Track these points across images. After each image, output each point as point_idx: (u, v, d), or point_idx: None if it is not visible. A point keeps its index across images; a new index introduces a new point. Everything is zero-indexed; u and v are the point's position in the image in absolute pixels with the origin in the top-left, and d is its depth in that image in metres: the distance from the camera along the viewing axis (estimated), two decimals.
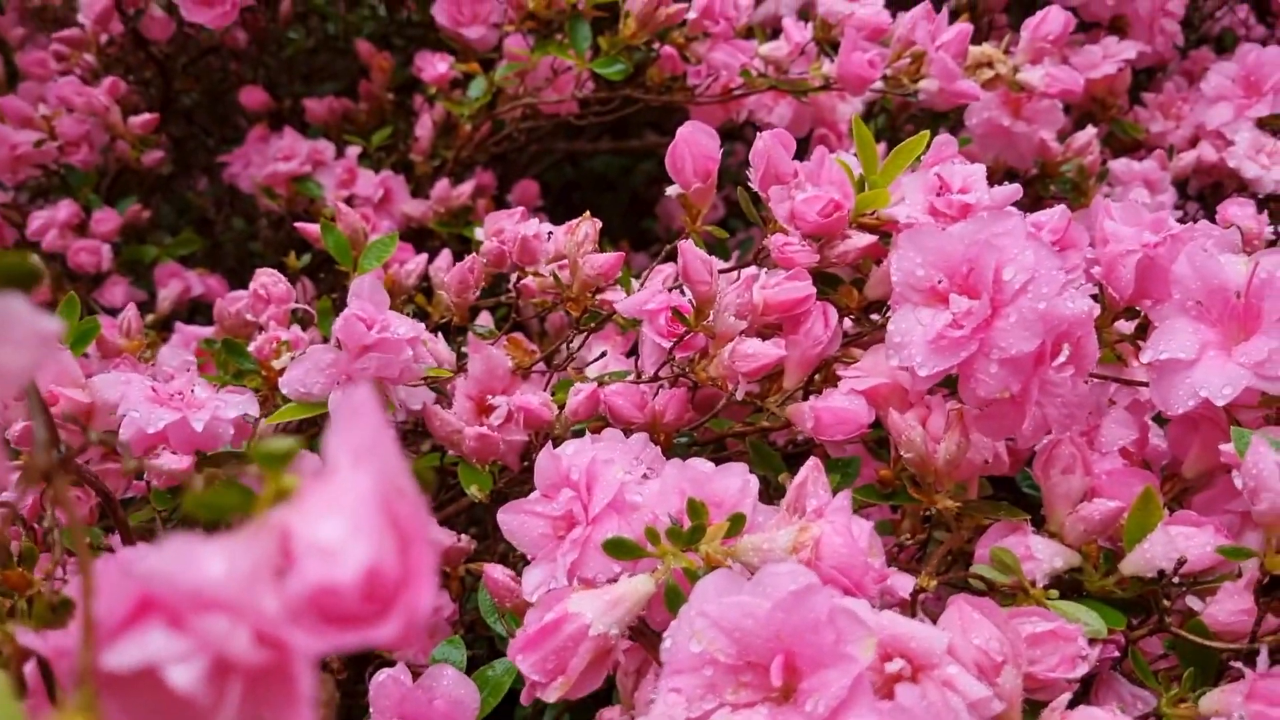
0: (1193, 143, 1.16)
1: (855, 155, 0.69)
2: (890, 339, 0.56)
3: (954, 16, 1.27)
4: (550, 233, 0.75)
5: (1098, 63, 1.14)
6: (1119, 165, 1.10)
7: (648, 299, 0.68)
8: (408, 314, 0.83)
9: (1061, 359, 0.54)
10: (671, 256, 0.70)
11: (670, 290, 0.71)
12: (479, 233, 0.90)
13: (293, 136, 1.17)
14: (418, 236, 1.15)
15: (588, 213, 0.73)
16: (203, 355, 0.89)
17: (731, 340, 0.63)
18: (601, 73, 0.97)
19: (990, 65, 0.98)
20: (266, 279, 0.75)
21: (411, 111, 1.28)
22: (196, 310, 1.21)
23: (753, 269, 0.66)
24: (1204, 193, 1.19)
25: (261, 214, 1.28)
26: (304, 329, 0.75)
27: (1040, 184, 1.06)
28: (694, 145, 0.70)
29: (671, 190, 0.71)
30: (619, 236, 1.80)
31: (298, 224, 0.83)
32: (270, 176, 1.14)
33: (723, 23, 0.96)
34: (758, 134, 0.67)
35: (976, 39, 0.98)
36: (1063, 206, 0.63)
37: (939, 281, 0.56)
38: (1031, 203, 1.09)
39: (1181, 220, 1.14)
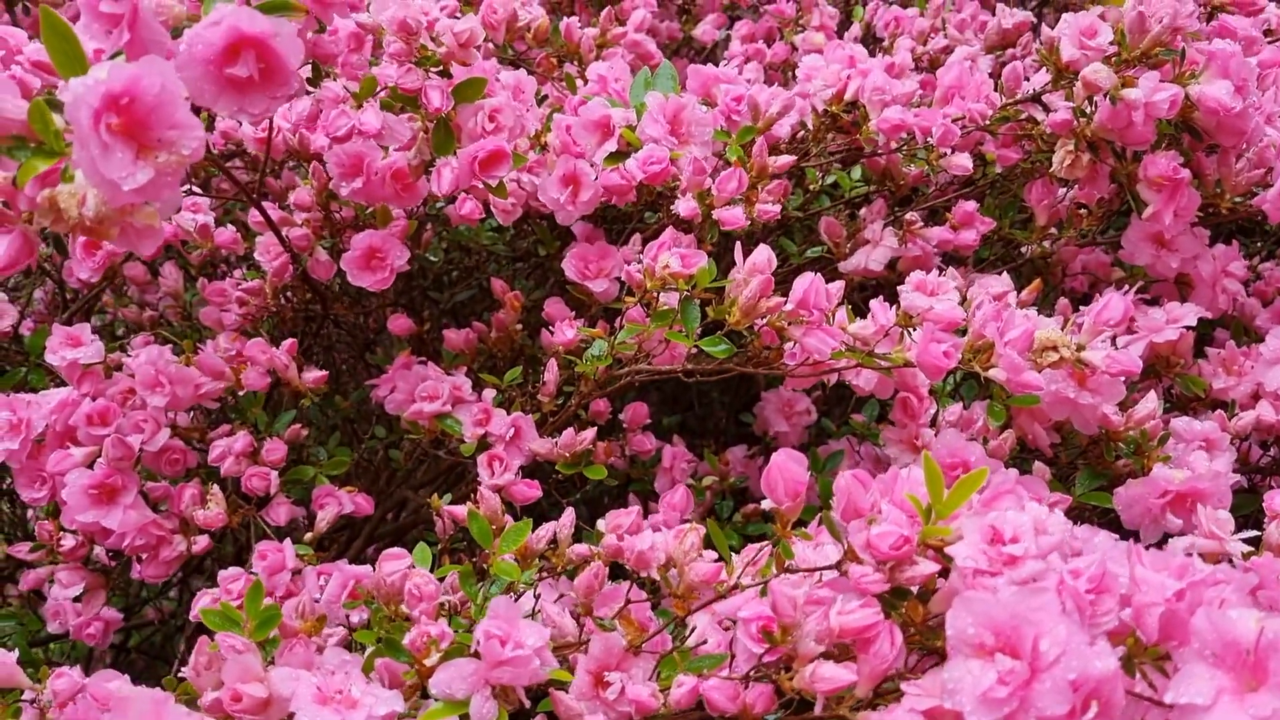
0: (1255, 397, 1.26)
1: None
2: (945, 684, 0.68)
3: (1028, 276, 1.41)
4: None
5: (1160, 327, 1.25)
6: (1181, 424, 1.20)
7: (742, 604, 0.81)
8: (535, 569, 0.98)
9: (1089, 716, 0.65)
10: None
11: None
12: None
13: (436, 375, 1.34)
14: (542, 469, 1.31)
15: (693, 523, 0.86)
16: (356, 597, 1.04)
17: (812, 660, 0.76)
18: (708, 350, 1.12)
19: (1055, 349, 1.10)
20: (420, 580, 0.88)
21: (539, 343, 1.43)
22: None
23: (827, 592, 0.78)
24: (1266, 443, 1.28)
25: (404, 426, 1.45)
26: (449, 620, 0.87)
27: (1106, 447, 1.16)
28: (785, 471, 0.84)
29: (765, 504, 0.85)
30: (724, 432, 1.94)
31: (446, 508, 0.98)
32: (415, 413, 1.30)
33: (815, 313, 1.10)
34: (839, 474, 0.80)
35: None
36: (1098, 556, 0.74)
37: (987, 639, 0.67)
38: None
39: (1244, 487, 1.24)
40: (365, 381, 1.52)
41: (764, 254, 1.11)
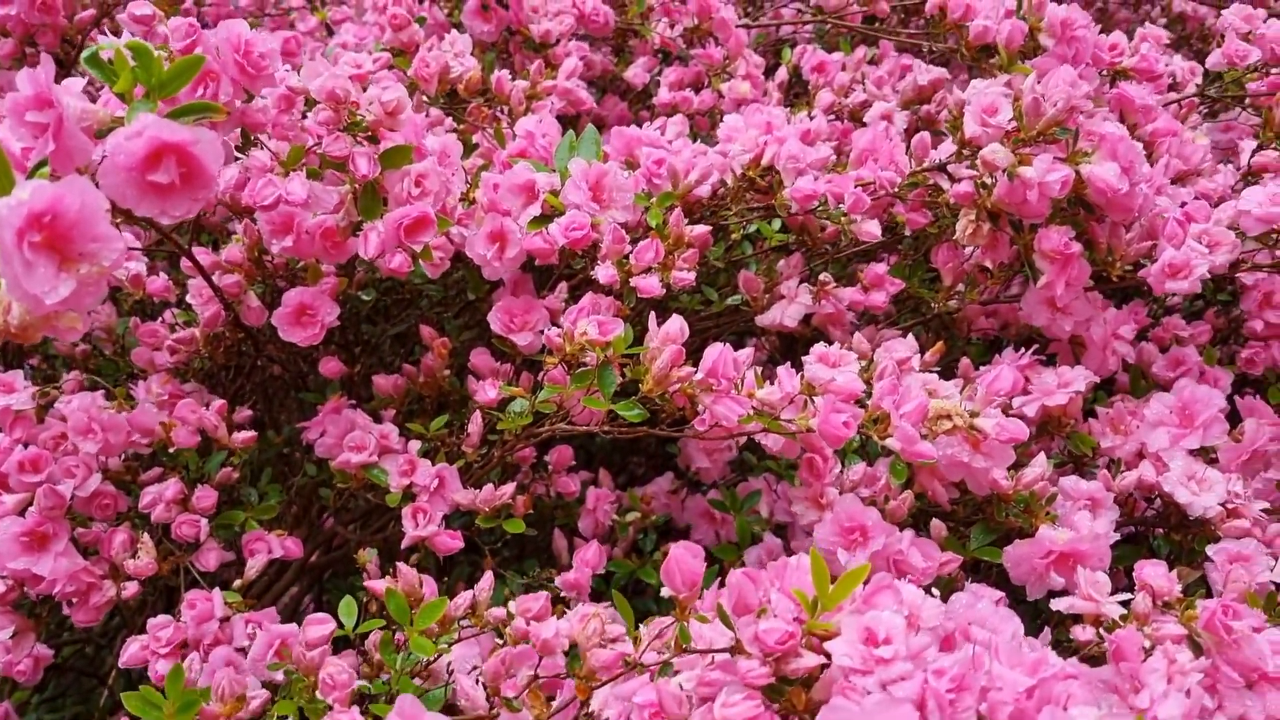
0: (1139, 455, 1.34)
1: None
2: None
3: (936, 329, 1.48)
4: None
5: (1052, 391, 1.32)
6: (1068, 482, 1.28)
7: (637, 689, 0.87)
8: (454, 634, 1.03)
9: None
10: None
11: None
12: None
13: (364, 423, 1.38)
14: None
15: (598, 611, 0.92)
16: (281, 657, 1.09)
17: None
18: (622, 414, 1.17)
19: (949, 418, 1.17)
20: (333, 669, 0.92)
21: (468, 385, 1.47)
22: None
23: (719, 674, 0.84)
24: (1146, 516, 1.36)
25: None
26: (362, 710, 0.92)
27: (996, 507, 1.23)
28: (682, 564, 0.90)
29: (665, 591, 0.91)
30: (654, 455, 2.00)
31: (367, 584, 1.03)
32: (343, 463, 1.34)
33: (724, 381, 1.15)
34: (731, 570, 0.86)
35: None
36: (964, 654, 0.81)
37: None
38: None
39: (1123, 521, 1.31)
40: (298, 422, 1.56)
41: (676, 324, 1.17)
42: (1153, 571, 1.09)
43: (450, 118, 1.61)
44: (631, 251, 1.23)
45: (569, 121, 1.86)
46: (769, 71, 1.92)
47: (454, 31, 1.59)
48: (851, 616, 0.84)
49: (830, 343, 1.32)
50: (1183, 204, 1.43)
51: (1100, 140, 1.26)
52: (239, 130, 1.19)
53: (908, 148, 1.43)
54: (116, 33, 1.42)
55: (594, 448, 1.93)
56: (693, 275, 1.24)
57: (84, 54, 0.98)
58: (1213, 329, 1.65)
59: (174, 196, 0.87)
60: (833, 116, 1.68)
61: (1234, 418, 1.41)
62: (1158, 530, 1.37)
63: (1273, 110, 1.43)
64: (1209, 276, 1.27)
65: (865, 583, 0.88)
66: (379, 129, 1.22)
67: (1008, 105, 1.29)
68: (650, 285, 1.21)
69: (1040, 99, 1.24)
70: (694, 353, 1.38)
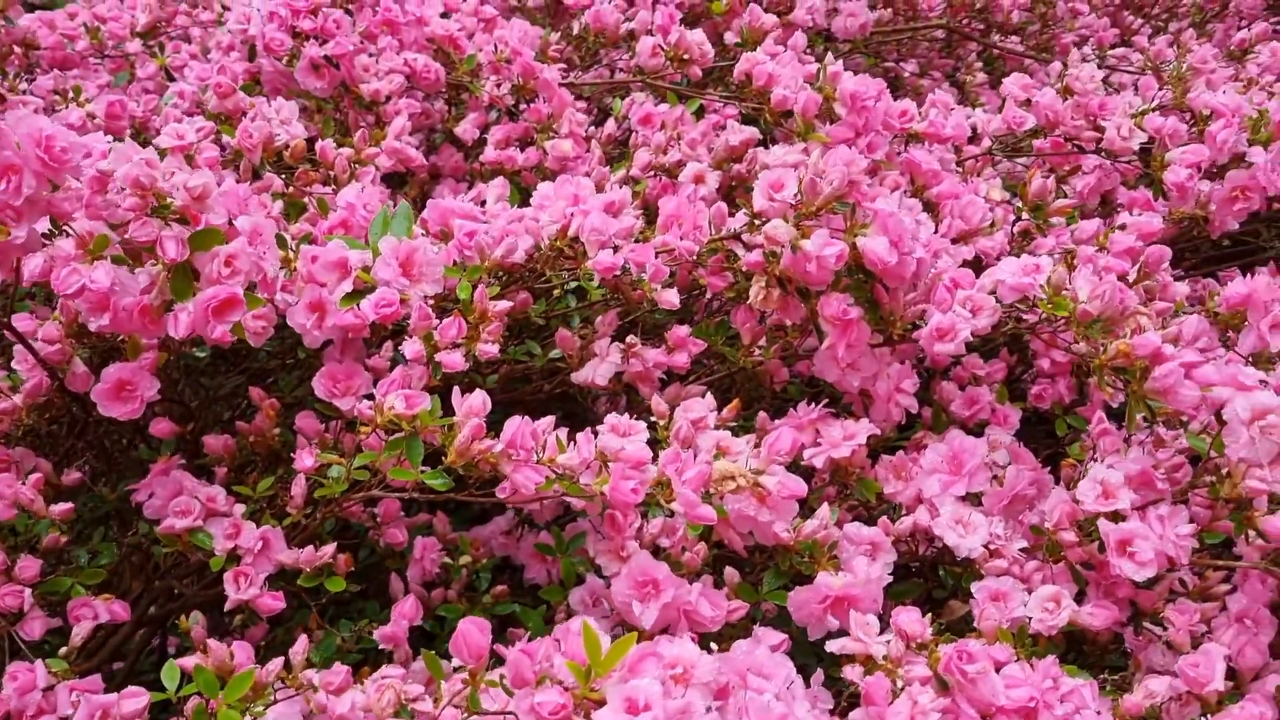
0: (919, 500, 1.46)
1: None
2: None
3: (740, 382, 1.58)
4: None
5: (839, 443, 1.44)
6: (851, 529, 1.39)
7: None
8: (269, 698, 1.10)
9: None
10: None
11: None
12: None
13: (191, 486, 1.42)
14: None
15: (392, 683, 1.00)
16: None
17: None
18: (430, 483, 1.24)
19: (734, 478, 1.27)
20: None
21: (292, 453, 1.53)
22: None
23: None
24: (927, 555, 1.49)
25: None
26: None
27: (782, 556, 1.34)
28: (469, 638, 0.98)
29: (455, 661, 0.99)
30: (494, 507, 2.06)
31: (177, 660, 1.09)
32: (167, 528, 1.39)
33: (523, 451, 1.23)
34: (509, 650, 0.95)
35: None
36: None
37: None
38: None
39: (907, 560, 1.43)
40: (136, 476, 1.59)
41: (479, 398, 1.25)
42: (906, 617, 1.21)
43: (281, 178, 1.66)
44: (437, 327, 1.30)
45: (402, 177, 1.92)
46: (601, 121, 2.01)
47: (280, 98, 1.63)
48: (616, 686, 0.94)
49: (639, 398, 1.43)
50: (963, 261, 1.56)
51: (875, 216, 1.37)
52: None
53: (732, 203, 1.52)
54: None
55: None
56: (496, 348, 1.32)
57: None
58: (1007, 366, 1.80)
59: None
60: (653, 174, 1.77)
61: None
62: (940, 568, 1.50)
63: (1027, 185, 1.56)
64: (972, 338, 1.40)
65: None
66: (188, 211, 1.26)
67: (793, 181, 1.39)
68: (454, 361, 1.28)
69: (817, 179, 1.35)
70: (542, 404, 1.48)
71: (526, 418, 1.24)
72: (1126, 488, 1.32)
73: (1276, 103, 1.65)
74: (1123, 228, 1.52)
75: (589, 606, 1.45)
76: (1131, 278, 1.51)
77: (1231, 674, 1.28)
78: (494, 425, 1.26)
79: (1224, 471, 1.29)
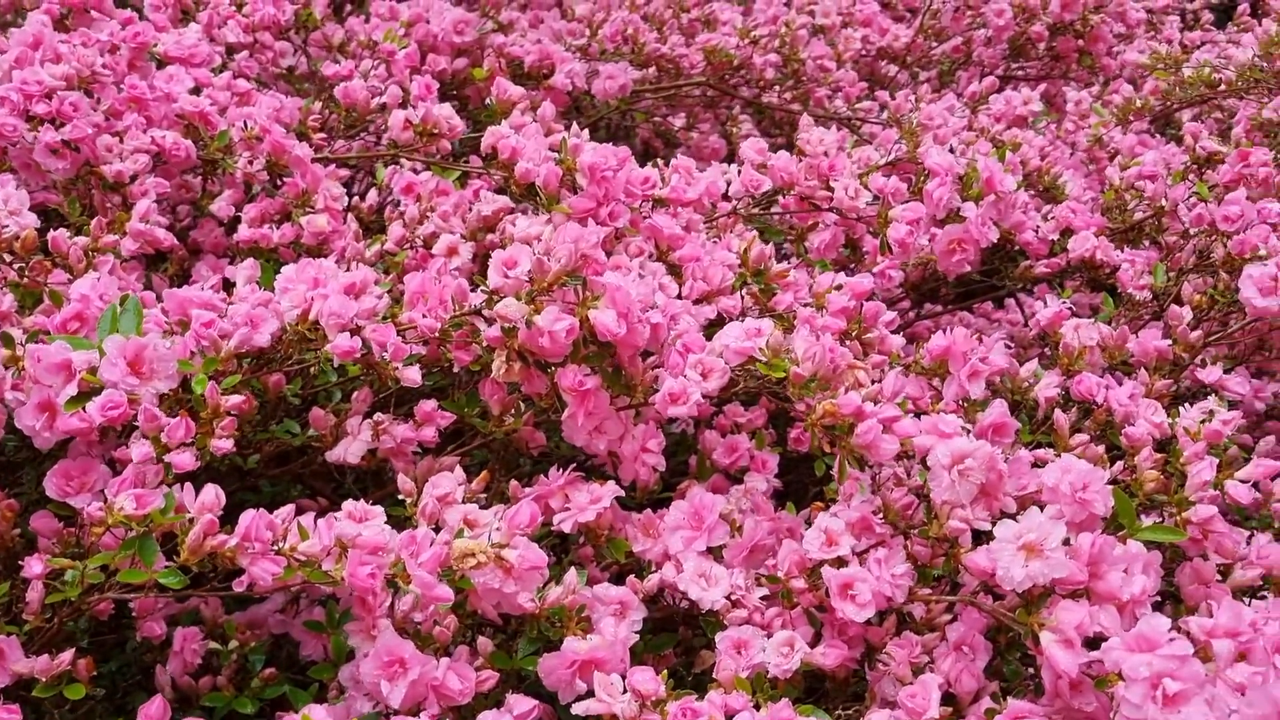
0: (667, 556, 1.53)
1: None
2: None
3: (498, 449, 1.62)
4: None
5: (585, 507, 1.49)
6: (600, 589, 1.45)
7: None
8: None
9: None
10: None
11: None
12: None
13: None
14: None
15: None
16: None
17: None
18: (163, 582, 1.24)
19: (474, 555, 1.31)
20: None
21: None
22: None
23: None
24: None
25: None
26: None
27: (530, 623, 1.39)
28: None
29: None
30: None
31: None
32: None
33: (258, 544, 1.24)
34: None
35: None
36: None
37: None
38: None
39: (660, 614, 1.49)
40: None
41: (211, 494, 1.25)
42: (640, 676, 1.27)
43: (15, 269, 1.61)
44: (165, 428, 1.29)
45: (162, 255, 1.89)
46: (366, 190, 2.03)
47: (10, 184, 1.60)
48: None
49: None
50: (707, 321, 1.65)
51: (606, 289, 1.44)
52: None
53: (483, 272, 1.56)
54: None
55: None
56: (230, 443, 1.32)
57: None
58: (767, 413, 1.89)
59: None
60: (409, 245, 1.80)
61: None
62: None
63: (748, 251, 1.66)
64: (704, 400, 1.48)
65: None
66: None
67: (527, 259, 1.44)
68: (185, 460, 1.28)
69: (544, 258, 1.40)
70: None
71: (262, 510, 1.25)
72: (848, 534, 1.42)
73: (984, 161, 1.80)
74: (839, 288, 1.62)
75: (357, 683, 1.46)
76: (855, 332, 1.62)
77: (951, 699, 1.39)
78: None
79: (933, 514, 1.41)
